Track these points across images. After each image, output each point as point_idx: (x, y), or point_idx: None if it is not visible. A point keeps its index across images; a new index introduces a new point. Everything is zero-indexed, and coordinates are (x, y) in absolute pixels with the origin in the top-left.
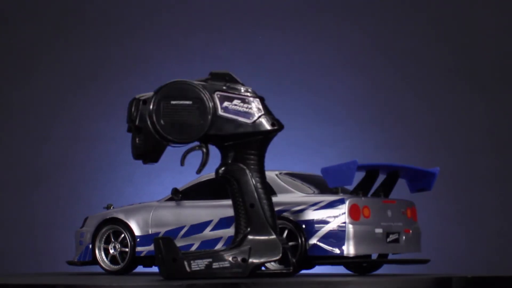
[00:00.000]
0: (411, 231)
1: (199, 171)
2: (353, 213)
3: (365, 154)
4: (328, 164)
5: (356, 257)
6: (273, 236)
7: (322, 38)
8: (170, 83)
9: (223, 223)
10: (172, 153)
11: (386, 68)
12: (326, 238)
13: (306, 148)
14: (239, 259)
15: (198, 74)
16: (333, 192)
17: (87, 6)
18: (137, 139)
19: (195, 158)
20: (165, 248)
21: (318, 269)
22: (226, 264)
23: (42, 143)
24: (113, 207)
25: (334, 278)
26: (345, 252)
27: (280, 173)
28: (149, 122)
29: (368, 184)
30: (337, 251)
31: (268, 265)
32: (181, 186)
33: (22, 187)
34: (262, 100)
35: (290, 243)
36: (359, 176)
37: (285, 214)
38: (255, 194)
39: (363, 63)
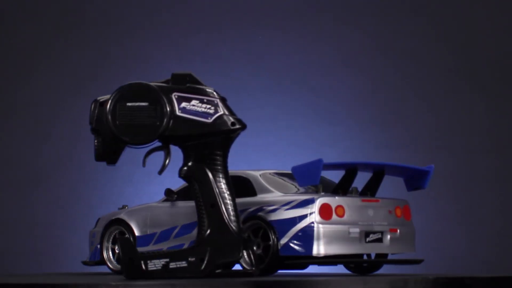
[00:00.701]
0: (399, 231)
1: (160, 172)
2: (324, 212)
3: (365, 154)
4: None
5: (327, 256)
6: (234, 237)
7: (322, 38)
8: (126, 85)
9: None
10: (172, 153)
11: (386, 68)
12: (296, 238)
13: (306, 148)
14: (197, 259)
15: (198, 74)
16: (314, 191)
17: (87, 6)
18: (96, 141)
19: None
20: (123, 248)
21: (315, 269)
22: (184, 264)
23: (42, 143)
24: (127, 208)
25: (328, 278)
26: (313, 252)
27: (269, 173)
28: (105, 124)
29: (347, 183)
30: (306, 251)
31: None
32: (180, 186)
33: (22, 187)
34: (224, 101)
35: (266, 243)
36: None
37: (260, 214)
38: (216, 194)
39: (363, 63)
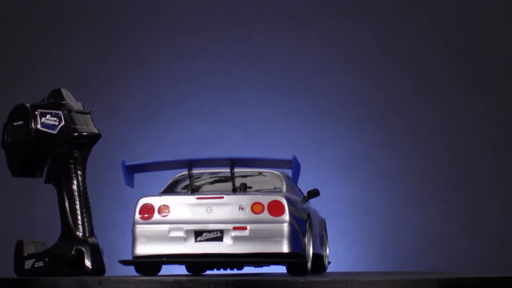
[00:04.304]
0: (249, 228)
1: (45, 181)
2: (143, 212)
3: (365, 154)
4: (326, 164)
5: (144, 256)
6: (74, 239)
7: (322, 38)
8: (14, 107)
9: None
10: (172, 153)
11: (386, 68)
12: (132, 239)
13: (306, 148)
14: (49, 259)
15: (198, 74)
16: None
17: (87, 6)
18: (6, 158)
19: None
20: (15, 250)
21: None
22: (41, 264)
23: None
24: None
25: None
26: (133, 253)
27: (192, 174)
28: (5, 143)
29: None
30: (131, 251)
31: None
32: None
33: (22, 187)
34: (86, 113)
35: None
36: None
37: None
38: (65, 199)
39: (363, 63)
